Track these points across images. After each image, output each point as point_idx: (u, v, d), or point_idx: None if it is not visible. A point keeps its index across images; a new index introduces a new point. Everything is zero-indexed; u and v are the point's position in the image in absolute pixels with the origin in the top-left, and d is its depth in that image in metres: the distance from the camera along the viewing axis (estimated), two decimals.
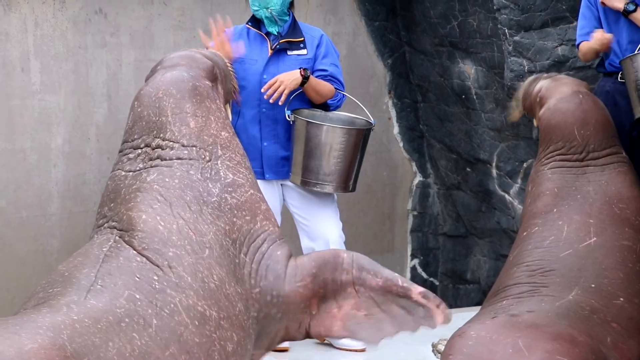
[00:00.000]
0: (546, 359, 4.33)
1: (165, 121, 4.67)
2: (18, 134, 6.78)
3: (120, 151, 4.75)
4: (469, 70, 7.71)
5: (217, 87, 4.95)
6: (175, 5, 7.28)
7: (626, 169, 5.40)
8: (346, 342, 5.99)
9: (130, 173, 4.61)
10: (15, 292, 6.75)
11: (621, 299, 4.86)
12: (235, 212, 4.64)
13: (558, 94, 5.62)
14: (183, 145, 4.63)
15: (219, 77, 4.98)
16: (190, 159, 4.61)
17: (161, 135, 4.65)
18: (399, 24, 8.18)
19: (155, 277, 4.19)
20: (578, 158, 5.43)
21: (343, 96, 6.01)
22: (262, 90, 5.87)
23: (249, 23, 6.02)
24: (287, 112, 5.89)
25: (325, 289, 4.57)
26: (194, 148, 4.64)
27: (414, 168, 8.30)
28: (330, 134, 5.79)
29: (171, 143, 4.63)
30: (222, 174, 4.68)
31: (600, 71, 6.20)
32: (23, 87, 6.80)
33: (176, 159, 4.60)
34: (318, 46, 6.00)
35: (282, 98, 5.81)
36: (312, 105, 6.03)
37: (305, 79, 5.84)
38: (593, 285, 4.86)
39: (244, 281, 4.52)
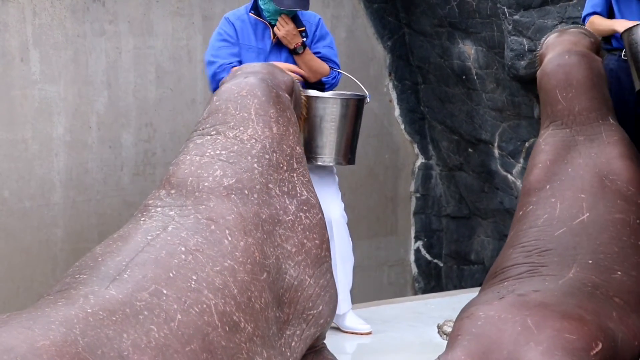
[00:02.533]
0: (555, 337, 4.33)
1: (248, 117, 4.65)
2: (19, 124, 6.77)
3: (187, 140, 4.71)
4: (469, 50, 7.69)
5: (292, 104, 5.01)
6: None
7: (616, 139, 5.31)
8: (353, 325, 6.00)
9: (197, 157, 4.55)
10: (19, 282, 6.75)
11: (619, 273, 4.85)
12: (307, 233, 4.69)
13: (550, 54, 5.53)
14: (265, 148, 4.60)
15: (294, 95, 5.06)
16: (270, 167, 4.59)
17: (242, 128, 4.62)
18: (397, 5, 8.16)
19: (195, 278, 4.16)
20: (566, 124, 5.34)
21: (338, 74, 6.00)
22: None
23: (252, 11, 6.00)
24: None
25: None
26: (275, 154, 4.64)
27: (416, 150, 8.29)
28: (321, 105, 5.78)
29: (253, 140, 4.60)
30: (298, 189, 4.72)
31: (604, 48, 6.14)
32: (23, 77, 6.78)
33: (257, 164, 4.57)
34: (315, 31, 6.00)
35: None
36: (306, 86, 6.02)
37: (303, 45, 5.83)
38: (590, 262, 4.85)
39: (297, 302, 4.58)
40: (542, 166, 5.30)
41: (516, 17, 7.02)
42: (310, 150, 5.80)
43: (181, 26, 7.27)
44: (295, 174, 4.73)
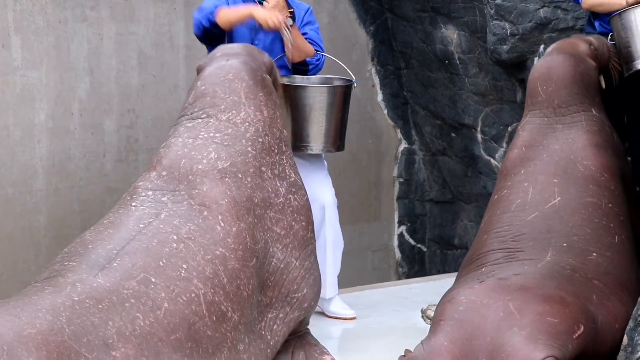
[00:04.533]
0: (538, 321, 4.35)
1: (239, 101, 4.63)
2: (1, 110, 6.74)
3: (174, 124, 4.68)
4: (451, 35, 7.69)
5: (272, 77, 5.03)
6: None
7: (595, 128, 5.35)
8: (337, 310, 6.01)
9: (190, 140, 4.52)
10: (2, 269, 6.73)
11: (594, 254, 4.88)
12: (296, 215, 4.71)
13: (545, 54, 5.63)
14: (258, 131, 4.59)
15: (273, 78, 5.04)
16: (262, 150, 4.59)
17: (234, 111, 4.60)
18: None
19: (185, 266, 4.16)
20: (546, 114, 5.40)
21: (322, 57, 6.00)
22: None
23: None
24: None
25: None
26: (267, 137, 4.64)
27: (399, 135, 8.29)
28: (310, 94, 5.78)
29: (247, 124, 4.58)
30: (287, 172, 4.74)
31: (588, 32, 6.12)
32: (4, 63, 6.75)
33: (251, 147, 4.56)
34: (303, 16, 6.01)
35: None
36: (292, 71, 6.01)
37: (292, 18, 5.83)
38: (565, 244, 4.89)
39: (282, 285, 4.57)
40: (517, 151, 5.34)
41: (498, 1, 7.02)
42: (299, 139, 5.79)
43: (163, 12, 7.24)
44: (284, 157, 4.75)
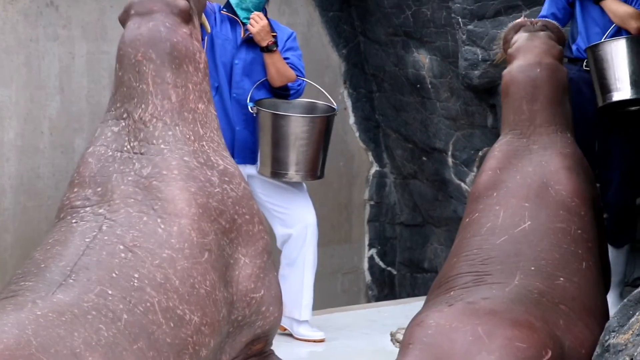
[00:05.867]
0: (506, 345, 4.34)
1: (147, 90, 4.50)
2: None
3: (102, 121, 4.58)
4: (423, 59, 7.72)
5: (193, 21, 4.77)
6: None
7: (569, 152, 5.36)
8: (306, 333, 5.99)
9: (118, 153, 4.45)
10: None
11: (561, 279, 4.88)
12: (237, 208, 4.55)
13: (521, 59, 5.56)
14: (166, 124, 4.51)
15: (193, 8, 4.79)
16: (177, 142, 4.45)
17: (143, 106, 4.50)
18: (353, 14, 8.18)
19: (137, 275, 4.11)
20: (524, 134, 5.40)
21: (303, 83, 6.00)
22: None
23: (224, 9, 5.99)
24: (250, 104, 5.88)
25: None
26: (177, 127, 4.50)
27: (370, 158, 8.30)
28: (294, 124, 5.77)
29: (155, 120, 4.49)
30: (213, 159, 4.56)
31: (564, 55, 6.17)
32: None
33: (163, 143, 4.44)
34: (286, 40, 6.02)
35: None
36: (273, 94, 6.00)
37: (275, 44, 5.84)
38: (533, 268, 4.88)
39: (238, 282, 4.49)
40: (491, 173, 5.34)
41: (470, 27, 7.06)
42: (279, 166, 5.79)
43: None
44: (204, 142, 4.56)
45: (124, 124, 4.50)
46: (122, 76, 4.57)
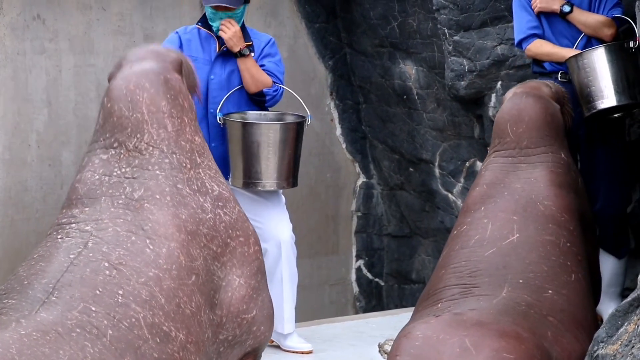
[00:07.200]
0: (493, 357, 4.35)
1: (142, 119, 4.44)
2: None
3: (88, 151, 4.52)
4: (409, 70, 7.75)
5: (183, 81, 4.74)
6: (114, 10, 7.23)
7: (561, 170, 5.39)
8: (294, 344, 5.99)
9: (106, 177, 4.44)
10: None
11: (550, 292, 4.89)
12: (230, 231, 4.54)
13: (509, 95, 5.65)
14: (163, 152, 4.48)
15: (184, 71, 4.78)
16: (172, 169, 4.43)
17: (138, 135, 4.46)
18: (339, 25, 8.20)
19: (121, 292, 4.10)
20: (511, 154, 5.44)
21: (280, 89, 6.00)
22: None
23: (199, 23, 6.00)
24: (218, 115, 5.88)
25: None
26: (174, 155, 4.46)
27: (357, 169, 8.32)
28: (263, 132, 5.78)
29: (151, 148, 4.45)
30: (208, 185, 4.54)
31: (535, 71, 6.20)
32: None
33: (159, 170, 4.42)
34: (263, 47, 6.01)
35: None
36: (250, 104, 6.00)
37: (248, 48, 5.84)
38: (521, 281, 4.90)
39: (230, 304, 4.50)
40: (479, 189, 5.36)
41: (456, 37, 7.08)
42: (250, 176, 5.78)
43: (122, 45, 7.24)
44: (200, 170, 4.54)
45: (113, 152, 4.45)
46: (111, 107, 4.48)
